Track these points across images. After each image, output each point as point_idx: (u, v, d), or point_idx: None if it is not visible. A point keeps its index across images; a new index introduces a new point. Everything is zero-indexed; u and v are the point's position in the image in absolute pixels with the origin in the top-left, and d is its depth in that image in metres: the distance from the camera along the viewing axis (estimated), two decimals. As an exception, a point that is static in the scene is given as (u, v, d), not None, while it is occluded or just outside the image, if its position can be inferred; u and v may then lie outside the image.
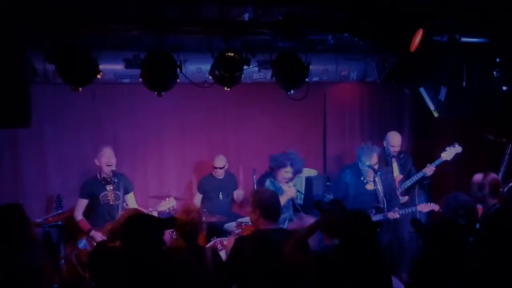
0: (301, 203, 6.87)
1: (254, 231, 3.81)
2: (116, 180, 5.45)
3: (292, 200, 5.75)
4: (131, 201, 5.70)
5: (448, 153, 5.99)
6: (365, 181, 5.69)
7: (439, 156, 6.05)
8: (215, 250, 4.01)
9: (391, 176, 5.98)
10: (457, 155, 6.00)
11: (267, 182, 5.72)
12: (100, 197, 5.47)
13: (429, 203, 5.89)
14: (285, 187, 5.68)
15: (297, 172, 5.86)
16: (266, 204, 3.73)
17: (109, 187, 5.48)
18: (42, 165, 6.26)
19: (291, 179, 5.76)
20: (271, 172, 5.81)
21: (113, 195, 5.46)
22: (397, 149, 6.29)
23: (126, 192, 5.62)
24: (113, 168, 5.52)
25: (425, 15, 4.05)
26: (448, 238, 3.16)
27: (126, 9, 4.20)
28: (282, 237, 3.64)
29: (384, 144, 6.38)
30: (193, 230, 3.76)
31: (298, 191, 6.84)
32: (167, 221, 3.48)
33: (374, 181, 5.54)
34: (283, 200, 5.24)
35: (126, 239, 3.20)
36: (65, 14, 4.06)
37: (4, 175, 6.04)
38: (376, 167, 5.59)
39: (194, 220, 3.75)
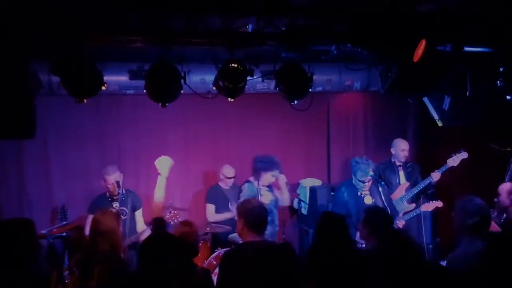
0: (306, 213, 6.88)
1: (239, 244, 3.73)
2: (123, 198, 5.42)
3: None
4: (139, 219, 5.64)
5: (455, 160, 6.01)
6: (362, 195, 5.54)
7: (445, 164, 6.06)
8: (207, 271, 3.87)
9: (387, 189, 5.90)
10: (463, 161, 6.00)
11: (245, 185, 5.70)
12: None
13: (431, 202, 5.88)
14: (264, 191, 5.69)
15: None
16: (252, 215, 3.61)
17: (115, 204, 5.45)
18: (46, 176, 6.29)
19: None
20: (254, 174, 5.78)
21: (119, 212, 5.42)
22: (407, 153, 6.35)
23: (134, 209, 5.57)
24: (118, 185, 5.42)
25: (428, 25, 4.05)
26: None
27: (131, 21, 4.22)
28: (266, 250, 3.56)
29: (392, 151, 6.40)
30: (194, 242, 3.82)
31: (302, 200, 6.85)
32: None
33: (371, 193, 5.49)
34: None
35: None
36: (70, 26, 4.07)
37: (9, 186, 6.07)
38: (369, 185, 5.47)
39: (194, 232, 3.83)
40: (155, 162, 5.05)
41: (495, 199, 4.69)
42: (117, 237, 3.83)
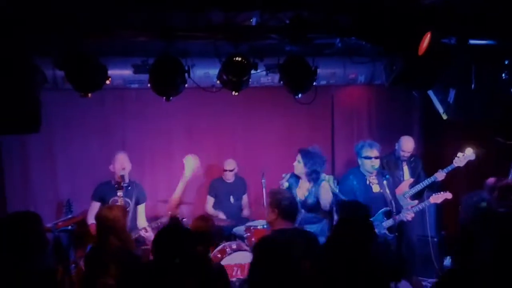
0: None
1: (275, 231, 3.84)
2: (129, 188, 5.44)
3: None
4: (141, 213, 5.67)
5: (461, 160, 5.96)
6: (370, 184, 5.60)
7: (449, 160, 6.03)
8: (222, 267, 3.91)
9: (392, 181, 5.90)
10: (469, 162, 5.95)
11: (287, 180, 5.44)
12: (110, 201, 5.48)
13: (440, 193, 5.83)
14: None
15: None
16: (285, 205, 3.82)
17: (120, 193, 5.39)
18: (51, 170, 6.33)
19: None
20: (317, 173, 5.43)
21: (122, 201, 5.40)
22: (407, 154, 6.29)
23: (138, 202, 5.59)
24: (126, 174, 5.50)
25: (433, 18, 4.03)
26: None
27: (133, 16, 4.22)
28: (301, 236, 3.78)
29: (396, 147, 6.37)
30: (210, 237, 3.91)
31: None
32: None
33: (381, 183, 5.50)
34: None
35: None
36: (73, 22, 4.08)
37: (14, 180, 6.11)
38: (376, 162, 5.52)
39: (212, 227, 3.94)
40: (184, 160, 5.11)
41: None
42: (126, 232, 3.86)
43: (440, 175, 6.02)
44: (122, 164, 5.50)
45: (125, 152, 5.69)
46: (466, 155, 5.95)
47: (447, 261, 6.27)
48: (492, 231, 3.60)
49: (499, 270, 3.23)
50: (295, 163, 5.40)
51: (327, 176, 5.33)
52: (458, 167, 5.98)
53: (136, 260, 3.77)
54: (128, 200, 5.44)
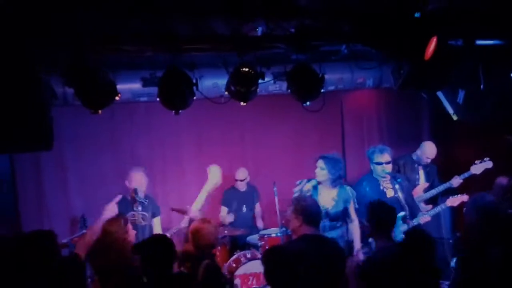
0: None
1: (300, 236, 3.86)
2: (146, 203, 5.50)
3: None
4: (157, 225, 5.73)
5: (478, 167, 5.90)
6: (384, 189, 5.58)
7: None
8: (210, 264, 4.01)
9: (408, 184, 5.88)
10: (486, 170, 5.89)
11: (307, 186, 5.35)
12: (127, 216, 5.48)
13: (457, 196, 5.77)
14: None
15: None
16: (309, 211, 3.87)
17: (138, 208, 5.46)
18: (64, 185, 6.37)
19: None
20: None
21: (140, 216, 5.47)
22: (429, 160, 6.26)
23: (153, 215, 5.67)
24: (143, 190, 5.56)
25: (438, 20, 4.02)
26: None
27: (139, 30, 4.25)
28: (325, 242, 3.84)
29: (418, 152, 6.32)
30: (203, 239, 3.98)
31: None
32: None
33: (394, 187, 5.47)
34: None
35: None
36: (80, 38, 4.12)
37: (29, 197, 6.16)
38: (388, 167, 5.51)
39: (206, 229, 3.97)
40: (208, 169, 5.11)
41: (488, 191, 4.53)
42: (125, 245, 3.88)
43: (456, 182, 5.98)
44: (139, 182, 5.56)
45: (141, 168, 5.70)
46: (483, 163, 5.89)
47: (453, 262, 6.22)
48: (500, 234, 3.58)
49: (508, 273, 3.22)
50: (317, 170, 5.32)
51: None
52: (475, 174, 5.92)
53: (136, 272, 3.82)
54: (146, 214, 5.50)
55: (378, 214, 3.89)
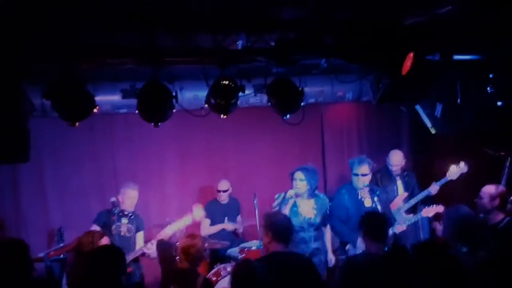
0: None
1: (269, 254, 3.84)
2: (132, 217, 5.61)
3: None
4: (139, 239, 5.71)
5: (454, 173, 5.96)
6: (362, 199, 5.60)
7: (440, 173, 6.04)
8: (207, 280, 4.09)
9: (386, 196, 5.93)
10: (462, 174, 5.95)
11: (290, 193, 5.36)
12: (113, 227, 5.48)
13: (433, 206, 5.85)
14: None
15: None
16: (278, 227, 3.82)
17: (124, 220, 5.56)
18: (42, 197, 6.28)
19: None
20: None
21: (126, 228, 5.55)
22: (396, 168, 6.29)
23: (137, 230, 5.68)
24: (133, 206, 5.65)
25: (416, 35, 4.08)
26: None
27: (120, 42, 4.24)
28: (294, 260, 3.79)
29: (387, 161, 6.39)
30: (197, 254, 3.97)
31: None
32: None
33: (372, 199, 5.51)
34: None
35: None
36: (61, 51, 4.09)
37: (5, 210, 6.04)
38: (366, 179, 5.55)
39: (198, 245, 3.98)
40: (194, 207, 5.17)
41: (476, 200, 4.51)
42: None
43: (434, 189, 6.03)
44: (134, 199, 5.64)
45: (135, 185, 5.70)
46: (459, 168, 5.96)
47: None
48: (479, 244, 3.63)
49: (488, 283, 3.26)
50: (297, 182, 5.35)
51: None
52: (451, 180, 5.99)
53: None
54: (132, 226, 5.58)
55: (372, 222, 3.92)
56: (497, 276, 3.32)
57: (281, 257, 3.75)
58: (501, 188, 4.51)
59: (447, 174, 6.00)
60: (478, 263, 3.46)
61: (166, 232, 5.37)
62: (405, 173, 6.45)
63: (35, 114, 4.99)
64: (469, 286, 3.15)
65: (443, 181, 6.01)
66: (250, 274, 3.29)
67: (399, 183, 6.37)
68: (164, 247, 4.30)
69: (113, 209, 5.54)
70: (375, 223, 3.92)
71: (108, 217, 5.52)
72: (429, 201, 6.11)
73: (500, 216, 4.36)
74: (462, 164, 5.96)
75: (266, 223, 3.89)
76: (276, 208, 5.28)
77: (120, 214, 5.53)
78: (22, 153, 4.36)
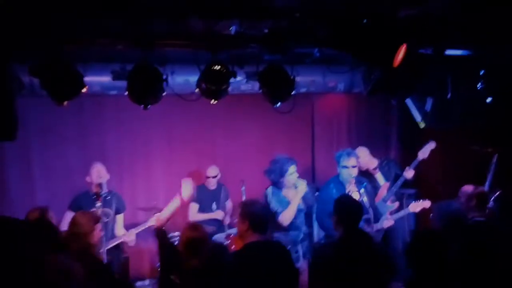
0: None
1: (245, 245, 3.76)
2: (108, 198, 5.39)
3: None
4: (119, 222, 5.62)
5: (424, 152, 5.96)
6: (349, 192, 5.56)
7: (426, 167, 6.07)
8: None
9: (372, 188, 5.94)
10: (432, 151, 5.95)
11: (269, 194, 5.43)
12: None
13: (419, 201, 5.83)
14: (292, 191, 5.51)
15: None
16: (256, 216, 3.74)
17: (99, 204, 5.16)
18: (29, 177, 6.23)
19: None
20: (276, 185, 5.49)
21: (102, 212, 5.23)
22: (352, 169, 5.69)
23: (118, 212, 5.55)
24: (104, 184, 5.36)
25: (409, 28, 4.08)
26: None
27: (112, 24, 4.19)
28: (272, 249, 3.76)
29: None
30: (201, 245, 3.74)
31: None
32: None
33: (359, 191, 5.52)
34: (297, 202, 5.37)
35: None
36: (51, 29, 4.03)
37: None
38: (354, 171, 5.56)
39: (201, 235, 3.78)
40: (182, 181, 5.04)
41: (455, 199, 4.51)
42: (91, 239, 3.82)
43: (408, 173, 6.01)
44: (99, 175, 5.38)
45: (101, 162, 5.56)
46: (427, 145, 5.96)
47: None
48: (462, 241, 3.68)
49: (466, 277, 3.31)
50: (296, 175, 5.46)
51: None
52: (424, 159, 5.97)
53: (101, 263, 3.79)
54: (109, 210, 5.39)
55: (344, 208, 3.96)
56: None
57: (258, 247, 3.69)
58: (480, 188, 4.51)
59: (418, 154, 5.98)
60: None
61: (161, 219, 5.24)
62: (384, 163, 6.44)
63: (24, 92, 4.92)
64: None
65: (415, 162, 6.00)
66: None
67: (379, 175, 6.37)
68: (163, 235, 4.14)
69: (88, 192, 5.40)
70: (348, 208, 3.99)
71: (83, 201, 5.32)
72: (415, 196, 6.14)
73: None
74: (430, 141, 5.97)
75: (243, 212, 3.78)
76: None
77: (94, 197, 5.09)
78: (10, 131, 4.32)
